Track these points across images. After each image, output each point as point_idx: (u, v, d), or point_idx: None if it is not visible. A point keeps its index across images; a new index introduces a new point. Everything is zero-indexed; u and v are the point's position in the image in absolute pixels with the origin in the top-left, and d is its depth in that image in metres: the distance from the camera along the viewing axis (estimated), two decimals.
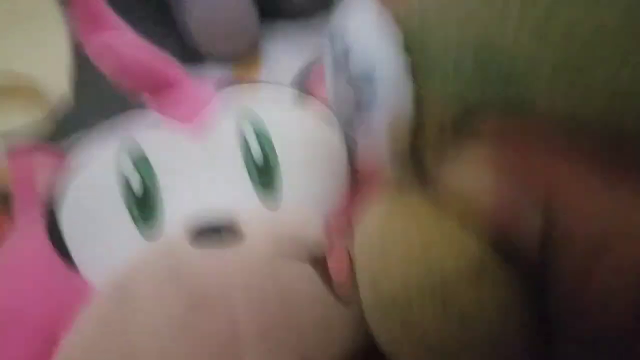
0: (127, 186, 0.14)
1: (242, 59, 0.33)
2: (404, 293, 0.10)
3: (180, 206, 0.14)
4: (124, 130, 0.16)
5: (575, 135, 0.08)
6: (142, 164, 0.14)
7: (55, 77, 0.35)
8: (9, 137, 0.31)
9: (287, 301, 0.11)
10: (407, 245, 0.10)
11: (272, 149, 0.15)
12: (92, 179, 0.15)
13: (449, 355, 0.10)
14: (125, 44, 0.15)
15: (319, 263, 0.12)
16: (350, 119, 0.11)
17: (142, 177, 0.14)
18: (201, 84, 0.17)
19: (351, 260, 0.12)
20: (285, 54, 0.33)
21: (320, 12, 0.36)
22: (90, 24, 0.15)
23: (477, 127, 0.09)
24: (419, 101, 0.10)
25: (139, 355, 0.11)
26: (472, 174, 0.10)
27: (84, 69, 0.36)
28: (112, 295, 0.12)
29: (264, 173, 0.14)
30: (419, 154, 0.11)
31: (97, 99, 0.32)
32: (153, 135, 0.15)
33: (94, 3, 0.15)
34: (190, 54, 0.30)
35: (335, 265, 0.12)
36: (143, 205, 0.14)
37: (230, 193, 0.14)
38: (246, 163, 0.14)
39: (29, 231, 0.15)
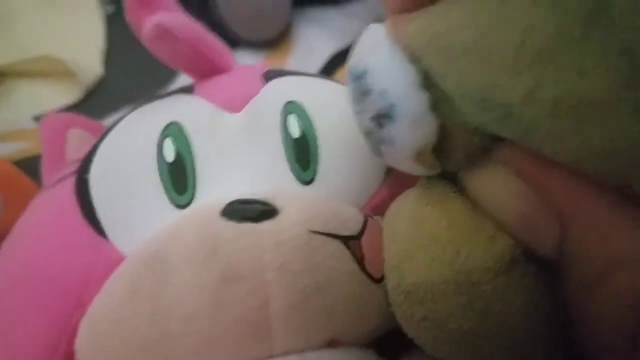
0: (160, 153, 0.14)
1: (273, 44, 0.33)
2: (428, 283, 0.10)
3: (214, 179, 0.14)
4: (163, 104, 0.16)
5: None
6: (176, 132, 0.14)
7: (89, 60, 0.35)
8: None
9: (319, 278, 0.11)
10: (435, 236, 0.10)
11: (312, 129, 0.14)
12: (124, 145, 0.14)
13: (470, 346, 0.10)
14: (181, 27, 0.15)
15: (353, 242, 0.12)
16: (376, 150, 0.11)
17: (175, 143, 0.14)
18: (249, 73, 0.17)
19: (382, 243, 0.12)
20: (316, 39, 0.33)
21: None
22: (144, 5, 0.15)
23: (499, 149, 0.10)
24: (444, 131, 0.10)
25: (168, 321, 0.11)
26: (494, 189, 0.10)
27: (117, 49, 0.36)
28: (146, 260, 0.12)
29: (300, 150, 0.14)
30: (447, 168, 0.11)
31: (129, 80, 0.33)
32: (191, 109, 0.15)
33: None
34: (222, 40, 0.30)
35: (368, 246, 0.12)
36: (175, 172, 0.13)
37: (266, 170, 0.14)
38: (284, 141, 0.14)
39: (58, 194, 0.14)
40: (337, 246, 0.12)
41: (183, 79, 0.32)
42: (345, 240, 0.12)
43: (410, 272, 0.11)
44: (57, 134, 0.18)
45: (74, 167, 0.15)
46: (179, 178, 0.13)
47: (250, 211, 0.12)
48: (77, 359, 0.12)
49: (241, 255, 0.11)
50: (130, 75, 0.33)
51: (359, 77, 0.11)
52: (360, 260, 0.12)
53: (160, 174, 0.13)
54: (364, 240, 0.12)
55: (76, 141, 0.18)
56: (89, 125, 0.19)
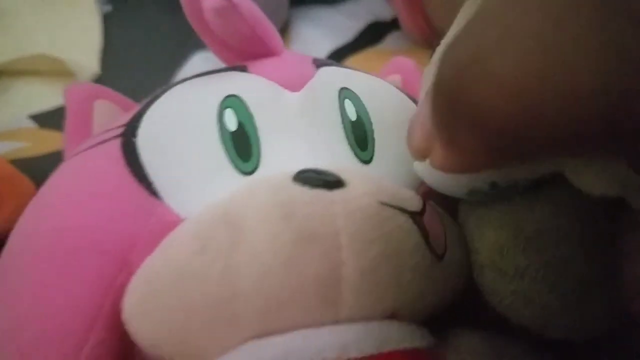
0: (220, 121, 0.14)
1: None
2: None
3: (277, 150, 0.14)
4: (217, 78, 0.15)
5: None
6: (237, 103, 0.14)
7: (86, 59, 0.35)
8: (42, 118, 0.32)
9: (389, 248, 0.11)
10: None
11: (365, 111, 0.15)
12: (179, 112, 0.14)
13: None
14: (245, 5, 0.15)
15: (418, 218, 0.12)
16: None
17: (237, 114, 0.14)
18: (301, 58, 0.17)
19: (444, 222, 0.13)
20: (313, 37, 0.33)
21: None
22: None
23: None
24: None
25: (238, 280, 0.11)
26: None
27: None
28: (218, 220, 0.12)
29: (358, 132, 0.15)
30: None
31: (126, 79, 0.33)
32: (250, 84, 0.15)
33: None
34: None
35: (429, 224, 0.12)
36: (238, 141, 0.14)
37: (327, 147, 0.14)
38: (343, 122, 0.15)
39: (99, 157, 0.14)
40: (405, 219, 0.12)
41: (181, 77, 0.32)
42: (412, 215, 0.12)
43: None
44: (83, 104, 0.18)
45: (112, 133, 0.15)
46: (242, 146, 0.14)
47: (321, 180, 0.12)
48: (126, 319, 0.12)
49: (316, 218, 0.11)
50: (127, 74, 0.33)
51: None
52: (425, 236, 0.12)
53: (223, 141, 0.14)
54: (425, 218, 0.12)
55: (103, 112, 0.18)
56: (116, 98, 0.19)
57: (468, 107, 0.08)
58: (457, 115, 0.09)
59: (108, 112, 0.18)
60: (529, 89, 0.07)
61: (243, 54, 0.16)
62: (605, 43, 0.06)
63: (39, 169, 0.27)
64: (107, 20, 0.38)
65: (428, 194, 0.14)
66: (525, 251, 0.12)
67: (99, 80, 0.34)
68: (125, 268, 0.12)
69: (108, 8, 0.40)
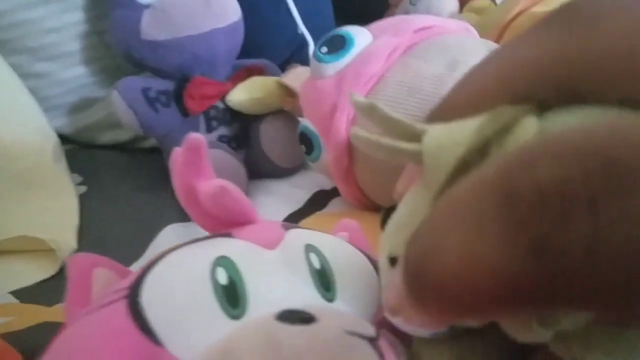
0: (213, 277, 0.17)
1: None
2: None
3: (260, 296, 0.17)
4: (208, 243, 0.19)
5: None
6: (226, 262, 0.17)
7: (65, 236, 0.38)
8: (22, 293, 0.34)
9: None
10: None
11: (326, 260, 0.19)
12: (177, 273, 0.17)
13: None
14: (235, 189, 0.19)
15: (375, 342, 0.15)
16: None
17: (227, 270, 0.17)
18: (272, 223, 0.21)
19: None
20: (270, 205, 0.40)
21: (296, 171, 0.44)
22: (197, 172, 0.19)
23: None
24: None
25: None
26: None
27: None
28: (217, 358, 0.14)
29: (322, 277, 0.18)
30: None
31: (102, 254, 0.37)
32: (237, 247, 0.19)
33: (203, 155, 0.19)
34: None
35: (383, 348, 0.15)
36: (229, 292, 0.16)
37: (300, 291, 0.18)
38: (310, 271, 0.18)
39: (106, 317, 0.16)
40: (366, 344, 0.15)
41: (152, 252, 0.36)
42: (370, 340, 0.15)
43: None
44: (84, 272, 0.20)
45: (117, 295, 0.17)
46: (232, 295, 0.17)
47: (298, 317, 0.15)
48: None
49: (302, 353, 0.14)
50: (103, 248, 0.36)
51: None
52: (382, 357, 0.15)
53: (215, 294, 0.16)
54: (380, 343, 0.16)
55: (101, 280, 0.20)
56: (114, 266, 0.21)
57: (430, 283, 0.10)
58: (423, 289, 0.10)
59: (106, 279, 0.20)
60: (467, 272, 0.09)
61: (227, 224, 0.21)
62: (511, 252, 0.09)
63: (25, 341, 0.29)
64: (83, 200, 0.43)
65: (380, 323, 0.18)
66: None
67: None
68: None
69: (83, 189, 0.45)
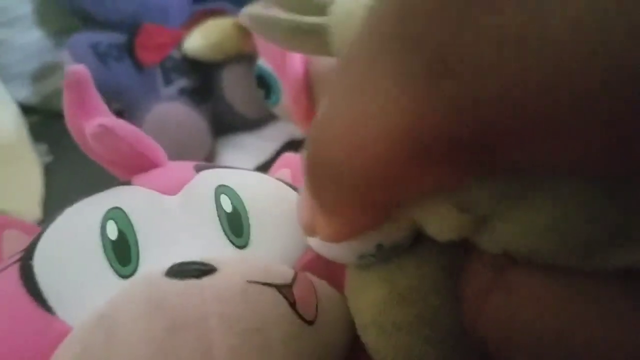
0: (103, 233, 0.15)
1: None
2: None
3: (156, 251, 0.15)
4: (102, 195, 0.17)
5: None
6: (117, 214, 0.16)
7: (29, 207, 0.37)
8: None
9: (256, 322, 0.13)
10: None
11: (241, 202, 0.17)
12: (67, 231, 0.15)
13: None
14: (121, 126, 0.17)
15: (285, 289, 0.13)
16: None
17: (117, 223, 0.15)
18: (182, 165, 0.19)
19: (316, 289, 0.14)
20: (237, 160, 0.38)
21: (267, 123, 0.42)
22: (84, 111, 0.17)
23: None
24: None
25: None
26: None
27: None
28: (95, 323, 0.13)
29: (233, 221, 0.16)
30: None
31: None
32: (131, 195, 0.17)
33: (88, 89, 0.17)
34: None
35: (300, 293, 0.14)
36: (118, 248, 0.15)
37: (205, 240, 0.16)
38: (219, 215, 0.16)
39: (1, 282, 0.15)
40: (272, 292, 0.13)
41: None
42: (279, 287, 0.13)
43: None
44: None
45: (13, 259, 0.16)
46: (122, 252, 0.15)
47: (191, 270, 0.13)
48: None
49: (185, 307, 0.12)
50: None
51: None
52: (292, 304, 0.13)
53: (104, 250, 0.15)
54: (295, 288, 0.14)
55: (12, 241, 0.19)
56: (25, 227, 0.20)
57: (325, 168, 0.09)
58: (321, 179, 0.09)
59: (17, 241, 0.19)
60: (357, 137, 0.08)
61: (130, 169, 0.18)
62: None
63: None
64: (50, 170, 0.41)
65: (307, 265, 0.16)
66: (400, 306, 0.13)
67: (42, 224, 0.36)
68: None
69: (49, 158, 0.44)
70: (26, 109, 0.46)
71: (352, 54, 0.08)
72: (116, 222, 0.16)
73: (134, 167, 0.18)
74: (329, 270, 0.16)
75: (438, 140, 0.07)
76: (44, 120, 0.50)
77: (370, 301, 0.13)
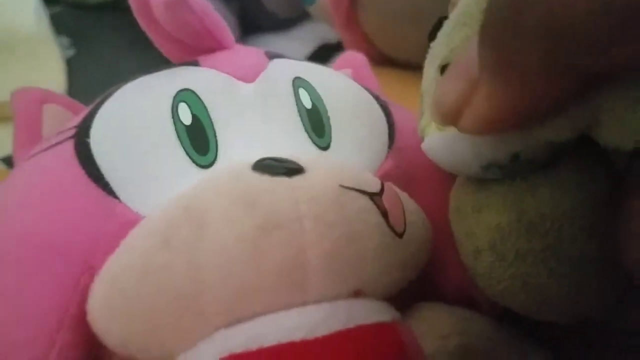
0: (175, 116, 0.14)
1: None
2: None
3: (235, 142, 0.14)
4: (168, 74, 0.15)
5: None
6: (190, 97, 0.14)
7: None
8: (10, 161, 0.33)
9: (351, 229, 0.12)
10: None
11: (320, 99, 0.15)
12: (131, 109, 0.14)
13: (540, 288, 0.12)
14: (194, 0, 0.15)
15: (377, 198, 0.13)
16: None
17: (191, 107, 0.14)
18: (252, 50, 0.17)
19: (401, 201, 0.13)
20: None
21: (298, 23, 0.39)
22: None
23: None
24: None
25: (204, 271, 0.11)
26: None
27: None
28: (179, 213, 0.12)
29: (315, 120, 0.15)
30: None
31: None
32: (203, 78, 0.15)
33: None
34: None
35: (388, 204, 0.13)
36: (194, 134, 0.14)
37: (285, 135, 0.15)
38: (299, 110, 0.15)
39: (52, 160, 0.14)
40: (365, 200, 0.12)
41: None
42: (371, 196, 0.12)
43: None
44: (32, 108, 0.17)
45: (64, 135, 0.14)
46: (198, 139, 0.14)
47: (281, 167, 0.12)
48: (92, 320, 0.12)
49: (279, 205, 0.11)
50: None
51: None
52: (384, 214, 0.12)
53: (178, 136, 0.14)
54: (384, 198, 0.13)
55: (52, 117, 0.17)
56: (66, 102, 0.18)
57: (537, 16, 0.08)
58: (522, 32, 0.08)
59: (58, 116, 0.18)
60: None
61: (194, 50, 0.16)
62: None
63: None
64: (72, 63, 0.40)
65: (387, 175, 0.15)
66: (528, 234, 0.12)
67: None
68: (88, 270, 0.12)
69: (71, 52, 0.42)
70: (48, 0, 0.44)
71: None
72: (189, 106, 0.14)
73: (199, 48, 0.16)
74: (409, 186, 0.14)
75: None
76: (67, 11, 0.49)
77: (491, 225, 0.12)
